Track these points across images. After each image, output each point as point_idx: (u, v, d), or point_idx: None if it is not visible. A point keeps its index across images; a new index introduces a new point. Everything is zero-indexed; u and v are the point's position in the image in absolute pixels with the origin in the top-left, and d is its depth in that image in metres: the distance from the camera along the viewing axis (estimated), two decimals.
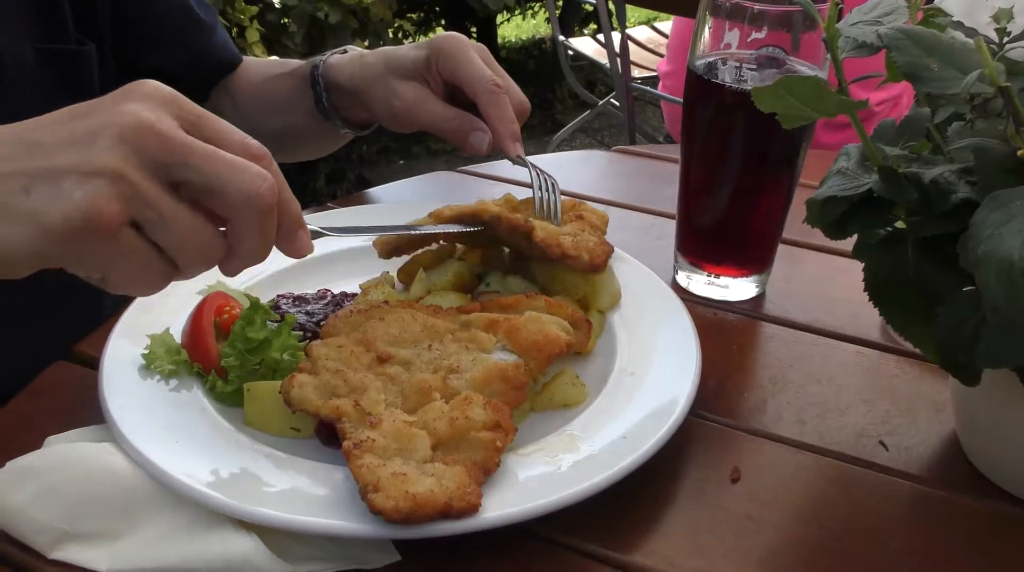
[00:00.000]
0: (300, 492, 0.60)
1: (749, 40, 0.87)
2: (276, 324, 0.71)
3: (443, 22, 5.62)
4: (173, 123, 0.55)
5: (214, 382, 0.69)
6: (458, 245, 0.88)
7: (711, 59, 0.87)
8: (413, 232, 0.82)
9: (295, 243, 0.60)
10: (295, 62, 1.09)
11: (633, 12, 5.20)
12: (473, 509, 0.58)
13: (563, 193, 0.92)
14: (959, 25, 0.62)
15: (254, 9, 2.63)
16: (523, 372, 0.68)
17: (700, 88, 0.88)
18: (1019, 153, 0.48)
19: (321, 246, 0.89)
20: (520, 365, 0.69)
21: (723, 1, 0.84)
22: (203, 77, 1.13)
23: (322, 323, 0.74)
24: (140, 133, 0.53)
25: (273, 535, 0.59)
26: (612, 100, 3.54)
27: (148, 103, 0.55)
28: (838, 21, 0.61)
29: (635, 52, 3.38)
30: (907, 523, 0.68)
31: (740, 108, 0.85)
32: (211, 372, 0.70)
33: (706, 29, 0.87)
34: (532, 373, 0.70)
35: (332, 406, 0.64)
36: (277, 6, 2.73)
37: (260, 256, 0.58)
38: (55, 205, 0.51)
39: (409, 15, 5.07)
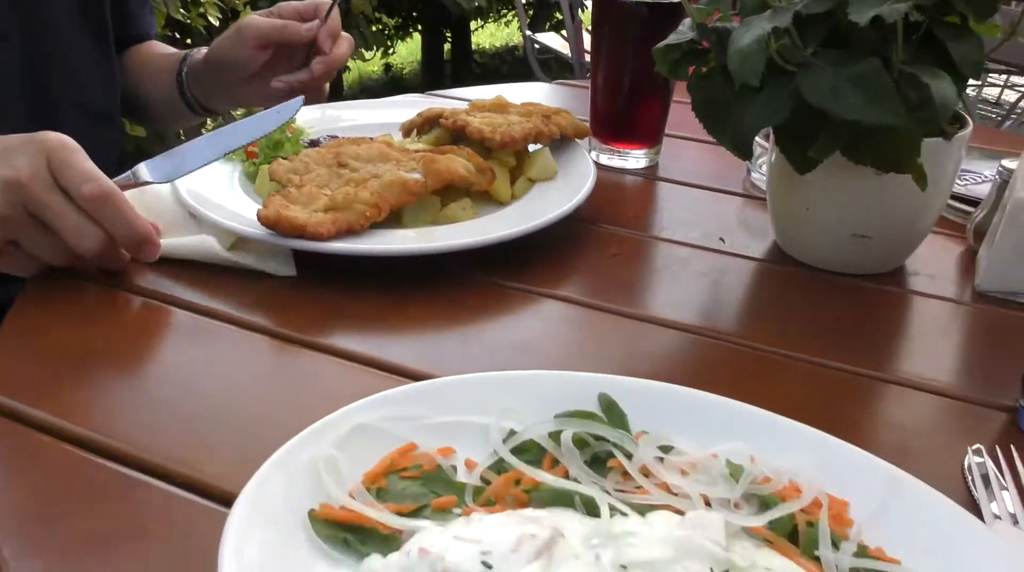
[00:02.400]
0: (248, 218, 0.93)
1: None
2: (291, 135, 1.04)
3: (419, 27, 5.96)
4: (43, 176, 0.80)
5: (248, 165, 1.05)
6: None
7: None
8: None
9: (140, 255, 0.87)
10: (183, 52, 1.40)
11: None
12: (319, 237, 0.88)
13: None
14: None
15: None
16: (419, 185, 0.96)
17: (602, 7, 1.20)
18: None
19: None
20: (419, 181, 0.97)
21: None
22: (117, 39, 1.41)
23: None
24: (14, 188, 0.80)
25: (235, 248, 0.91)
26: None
27: (32, 159, 0.80)
28: None
29: None
30: (734, 282, 0.99)
31: (629, 22, 1.17)
32: (249, 159, 1.06)
33: None
34: (427, 188, 0.97)
35: (287, 178, 0.97)
36: None
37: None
38: None
39: (386, 20, 5.40)
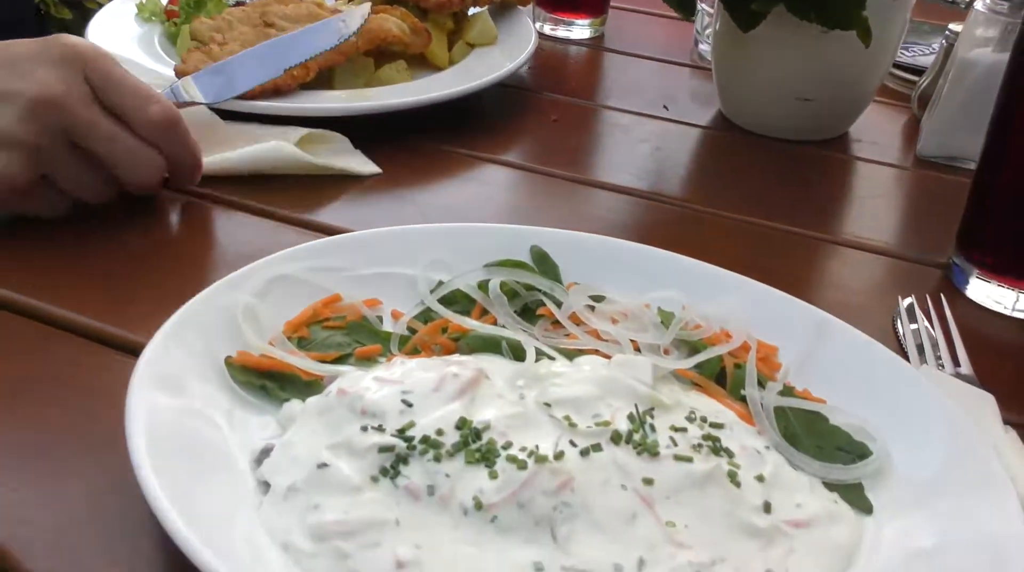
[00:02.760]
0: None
1: None
2: None
3: None
4: (82, 92, 0.63)
5: (169, 25, 0.99)
6: None
7: None
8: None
9: (190, 181, 0.74)
10: None
11: None
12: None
13: None
14: None
15: None
16: (350, 45, 0.90)
17: None
18: None
19: None
20: (350, 41, 0.90)
21: None
22: None
23: None
24: (49, 108, 0.62)
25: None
26: None
27: (61, 71, 0.62)
28: None
29: None
30: (677, 148, 0.97)
31: None
32: (170, 19, 0.99)
33: None
34: (358, 48, 0.92)
35: (209, 36, 0.91)
36: None
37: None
38: None
39: None
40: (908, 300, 0.69)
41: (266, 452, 0.49)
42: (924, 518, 0.47)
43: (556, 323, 0.60)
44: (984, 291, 0.71)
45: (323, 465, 0.45)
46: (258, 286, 0.58)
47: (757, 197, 0.86)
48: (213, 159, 0.77)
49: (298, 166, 0.80)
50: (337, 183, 0.82)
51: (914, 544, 0.46)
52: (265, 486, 0.47)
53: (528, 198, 0.86)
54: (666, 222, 0.82)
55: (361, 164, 0.84)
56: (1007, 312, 0.70)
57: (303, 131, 0.82)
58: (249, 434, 0.50)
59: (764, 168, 0.93)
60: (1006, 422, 0.56)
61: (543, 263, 0.64)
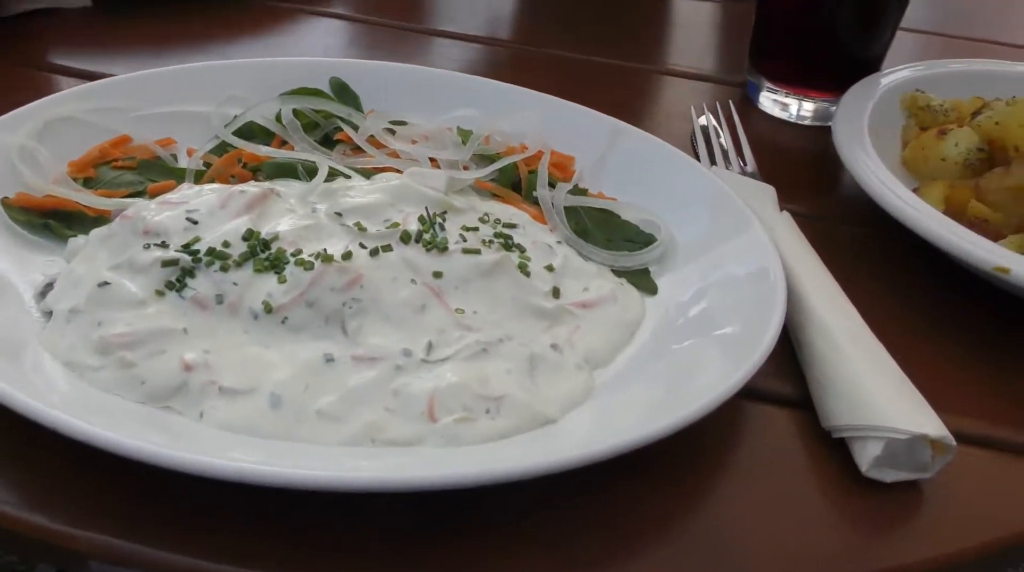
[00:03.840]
0: None
1: None
2: None
3: None
4: None
5: None
6: None
7: None
8: None
9: None
10: None
11: None
12: None
13: None
14: None
15: None
16: None
17: None
18: None
19: None
20: None
21: None
22: None
23: None
24: None
25: None
26: None
27: None
28: None
29: None
30: None
31: None
32: None
33: None
34: None
35: None
36: None
37: None
38: None
39: None
40: (704, 116, 0.72)
41: (50, 285, 0.47)
42: (690, 273, 0.51)
43: (356, 149, 0.59)
44: (772, 101, 0.75)
45: (104, 284, 0.45)
46: (35, 128, 0.55)
47: (577, 34, 0.87)
48: None
49: None
50: (124, 33, 0.77)
51: (679, 298, 0.50)
52: (49, 316, 0.46)
53: (361, 49, 0.83)
54: (499, 63, 0.82)
55: None
56: (792, 119, 0.74)
57: None
58: (33, 272, 0.49)
59: (585, 8, 0.93)
60: (783, 209, 0.60)
61: (343, 94, 0.63)
